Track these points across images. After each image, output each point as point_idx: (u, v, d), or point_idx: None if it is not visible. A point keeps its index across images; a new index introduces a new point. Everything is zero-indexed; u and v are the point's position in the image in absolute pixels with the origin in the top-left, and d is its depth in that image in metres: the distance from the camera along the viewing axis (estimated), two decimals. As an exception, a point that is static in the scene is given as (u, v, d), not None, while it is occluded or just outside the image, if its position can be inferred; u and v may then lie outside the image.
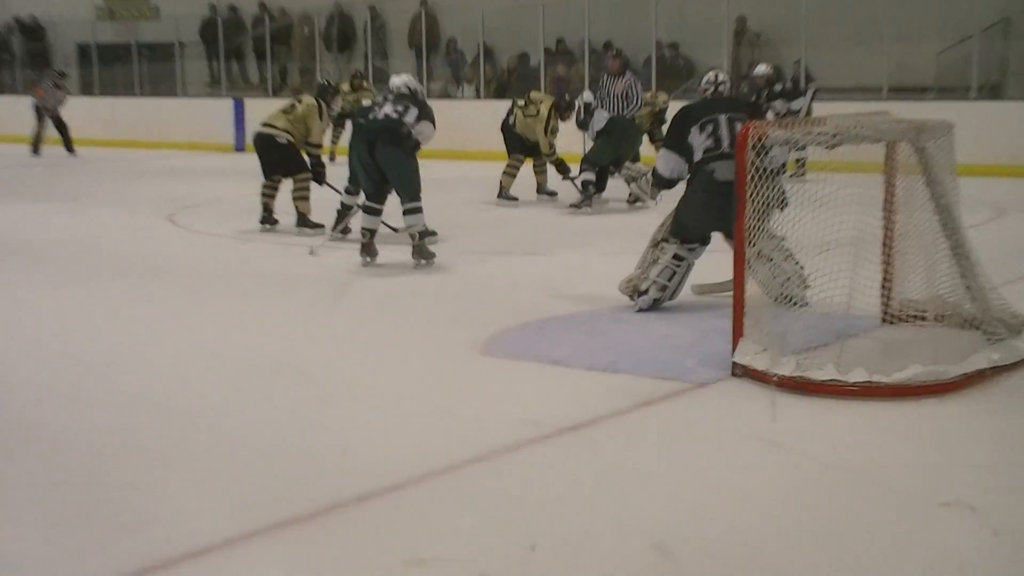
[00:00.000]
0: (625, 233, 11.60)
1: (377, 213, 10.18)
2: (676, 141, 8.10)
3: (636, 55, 21.37)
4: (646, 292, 8.01)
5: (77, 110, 23.25)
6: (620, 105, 14.47)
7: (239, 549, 4.37)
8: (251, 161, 12.50)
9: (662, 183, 8.41)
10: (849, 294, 6.73)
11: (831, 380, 6.01)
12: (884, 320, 7.20)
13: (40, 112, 22.04)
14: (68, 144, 22.09)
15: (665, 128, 10.97)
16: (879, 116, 7.11)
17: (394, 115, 10.15)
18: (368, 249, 10.12)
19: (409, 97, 10.45)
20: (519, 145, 14.61)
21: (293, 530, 4.51)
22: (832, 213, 6.85)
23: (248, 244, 11.46)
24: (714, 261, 7.88)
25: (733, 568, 4.18)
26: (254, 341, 7.66)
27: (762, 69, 15.15)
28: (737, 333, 6.45)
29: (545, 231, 12.21)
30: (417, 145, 10.22)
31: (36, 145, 22.12)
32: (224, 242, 11.61)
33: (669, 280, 7.97)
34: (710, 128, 7.96)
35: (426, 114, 10.29)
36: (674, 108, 9.84)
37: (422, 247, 10.09)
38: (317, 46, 25.50)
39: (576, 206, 13.80)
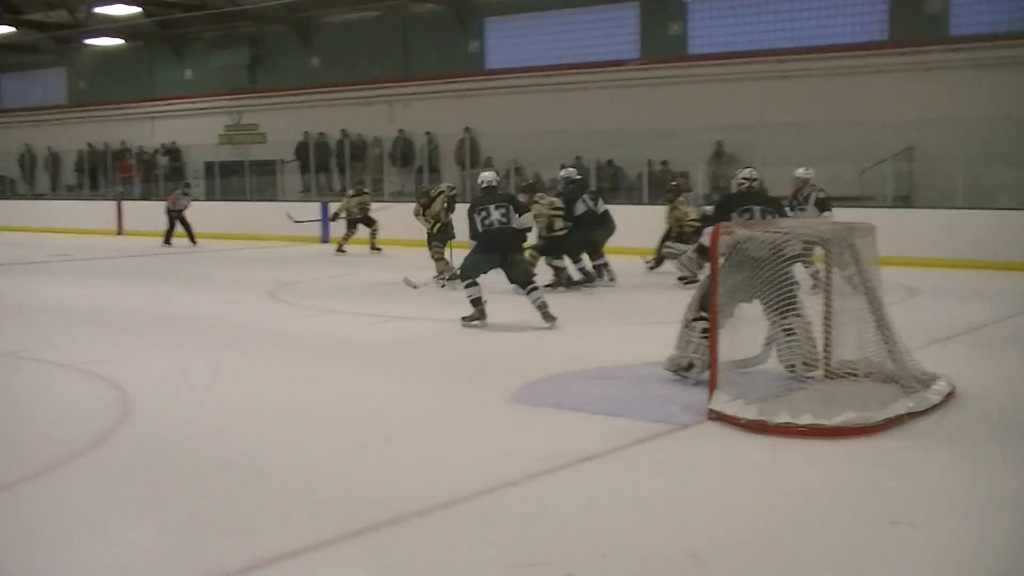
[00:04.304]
0: (623, 310, 11.64)
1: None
2: (722, 219, 7.63)
3: (631, 170, 21.55)
4: (694, 366, 7.34)
5: (202, 212, 23.44)
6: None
7: (321, 553, 4.40)
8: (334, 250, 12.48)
9: (707, 255, 7.26)
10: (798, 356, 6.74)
11: (785, 423, 6.01)
12: (826, 376, 7.17)
13: (170, 213, 22.25)
14: (191, 237, 22.25)
15: None
16: (820, 220, 7.13)
17: (505, 220, 10.25)
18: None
19: (497, 192, 10.66)
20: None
21: (367, 537, 4.54)
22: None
23: (333, 315, 11.48)
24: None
25: (715, 565, 4.20)
26: (338, 389, 7.71)
27: (802, 172, 13.08)
28: (712, 386, 6.45)
29: (560, 308, 12.17)
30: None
31: (167, 238, 22.30)
32: (314, 313, 11.63)
33: (706, 352, 7.33)
34: (747, 216, 7.76)
35: (519, 206, 10.47)
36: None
37: (547, 314, 10.13)
38: (385, 162, 25.71)
39: (551, 286, 12.98)
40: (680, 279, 13.10)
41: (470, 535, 4.60)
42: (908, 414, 6.29)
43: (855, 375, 6.85)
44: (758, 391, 6.52)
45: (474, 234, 10.41)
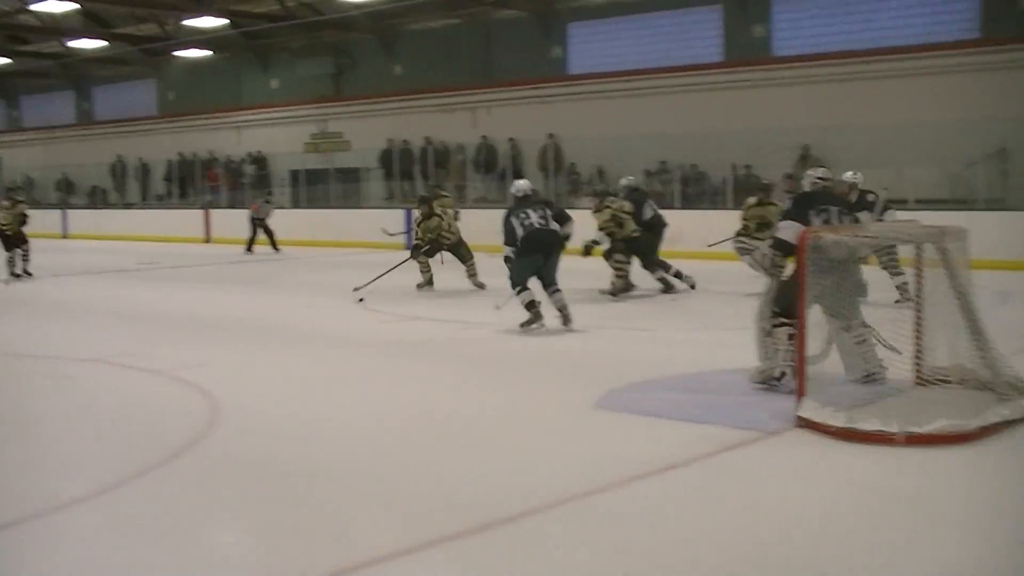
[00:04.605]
0: (703, 315, 11.53)
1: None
2: (800, 215, 7.29)
3: (716, 174, 21.34)
4: (785, 374, 7.10)
5: (288, 219, 23.76)
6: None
7: (409, 559, 4.41)
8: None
9: (785, 248, 7.20)
10: (888, 362, 6.62)
11: (876, 430, 5.90)
12: (917, 383, 7.02)
13: (253, 221, 22.58)
14: (274, 244, 22.51)
15: None
16: (909, 223, 7.00)
17: (544, 222, 10.41)
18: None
19: (534, 199, 10.80)
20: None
21: (455, 543, 4.54)
22: (872, 298, 6.76)
23: (416, 321, 11.52)
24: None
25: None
26: (421, 394, 7.76)
27: (850, 176, 12.17)
28: (800, 392, 6.36)
29: (640, 313, 12.10)
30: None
31: (250, 246, 22.61)
32: (397, 319, 11.68)
33: (794, 360, 7.09)
34: (824, 216, 7.39)
35: (557, 212, 10.65)
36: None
37: (567, 316, 10.32)
38: (468, 169, 25.81)
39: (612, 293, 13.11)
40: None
41: (560, 541, 4.58)
42: (1003, 422, 6.13)
43: (948, 382, 6.71)
44: (848, 398, 6.41)
45: (511, 240, 10.49)
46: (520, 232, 10.42)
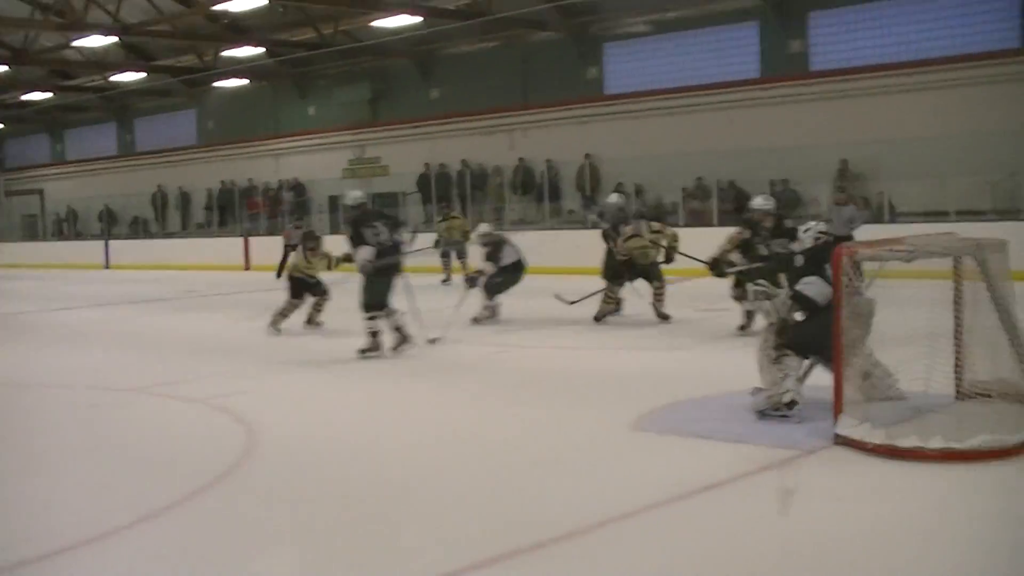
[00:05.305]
0: (732, 334, 11.43)
1: None
2: (820, 271, 7.10)
3: (753, 190, 21.20)
4: (793, 402, 6.97)
5: (327, 245, 23.71)
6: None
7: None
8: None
9: (808, 305, 7.09)
10: (927, 377, 6.58)
11: (915, 447, 5.87)
12: (957, 397, 6.97)
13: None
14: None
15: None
16: (947, 235, 6.96)
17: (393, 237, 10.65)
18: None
19: (370, 209, 11.18)
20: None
21: (500, 565, 4.59)
22: (910, 313, 6.72)
23: (453, 344, 11.49)
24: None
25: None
26: (461, 416, 7.82)
27: (760, 202, 11.41)
28: (837, 410, 6.33)
29: (669, 332, 12.05)
30: None
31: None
32: (427, 343, 11.61)
33: (799, 386, 7.11)
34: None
35: (396, 223, 10.93)
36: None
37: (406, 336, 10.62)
38: (506, 191, 25.86)
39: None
40: (741, 328, 11.57)
41: (601, 563, 4.61)
42: (1046, 436, 6.08)
43: (988, 396, 6.66)
44: (887, 415, 6.37)
45: (359, 242, 10.41)
46: (373, 243, 10.37)
